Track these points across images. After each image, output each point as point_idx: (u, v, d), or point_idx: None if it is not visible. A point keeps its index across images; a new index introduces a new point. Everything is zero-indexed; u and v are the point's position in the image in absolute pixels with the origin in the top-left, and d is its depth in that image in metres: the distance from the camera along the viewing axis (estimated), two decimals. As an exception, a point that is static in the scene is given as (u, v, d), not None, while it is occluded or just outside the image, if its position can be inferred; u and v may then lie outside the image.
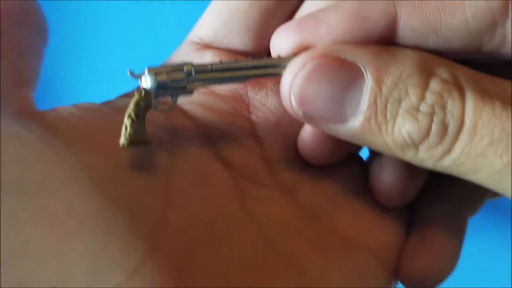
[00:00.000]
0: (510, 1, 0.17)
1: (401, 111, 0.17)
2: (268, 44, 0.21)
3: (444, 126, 0.17)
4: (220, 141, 0.21)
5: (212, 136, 0.21)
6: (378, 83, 0.17)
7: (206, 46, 0.22)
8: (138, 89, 0.19)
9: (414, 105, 0.17)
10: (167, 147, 0.20)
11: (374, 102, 0.17)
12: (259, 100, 0.22)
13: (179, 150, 0.20)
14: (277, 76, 0.19)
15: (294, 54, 0.19)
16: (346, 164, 0.23)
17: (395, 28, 0.18)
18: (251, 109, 0.22)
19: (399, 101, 0.17)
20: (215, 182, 0.20)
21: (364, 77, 0.17)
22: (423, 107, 0.17)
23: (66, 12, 0.40)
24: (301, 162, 0.22)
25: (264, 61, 0.19)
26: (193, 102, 0.22)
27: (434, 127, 0.17)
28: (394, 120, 0.17)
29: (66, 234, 0.16)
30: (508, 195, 0.17)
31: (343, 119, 0.18)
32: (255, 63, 0.20)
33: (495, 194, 0.24)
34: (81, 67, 0.41)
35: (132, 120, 0.19)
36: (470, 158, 0.17)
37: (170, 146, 0.20)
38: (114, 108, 0.20)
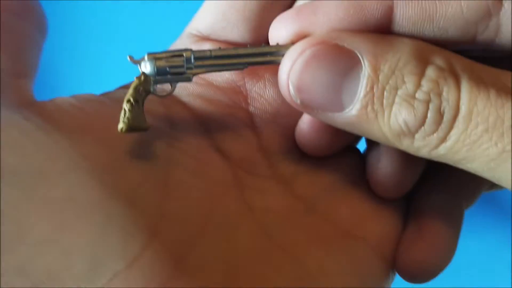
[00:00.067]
0: None
1: (397, 99, 0.17)
2: (266, 36, 0.21)
3: (440, 114, 0.17)
4: (218, 132, 0.21)
5: (210, 127, 0.21)
6: (375, 70, 0.17)
7: (204, 38, 0.22)
8: (138, 76, 0.20)
9: (411, 92, 0.17)
10: (166, 138, 0.20)
11: (371, 89, 0.17)
12: (257, 92, 0.22)
13: (178, 141, 0.20)
14: (275, 64, 0.19)
15: (293, 43, 0.19)
16: (343, 155, 0.23)
17: (392, 16, 0.18)
18: (249, 101, 0.22)
19: (396, 88, 0.17)
20: (213, 173, 0.20)
21: (361, 64, 0.18)
22: (419, 95, 0.17)
23: (65, 4, 0.40)
24: (298, 153, 0.22)
25: (263, 48, 0.20)
26: (192, 93, 0.22)
27: (430, 114, 0.17)
28: (391, 107, 0.17)
29: (65, 223, 0.16)
30: (503, 184, 0.17)
31: (341, 106, 0.18)
32: (253, 50, 0.20)
33: (491, 186, 0.24)
34: (81, 59, 0.41)
35: (131, 104, 0.19)
36: (466, 146, 0.17)
37: (169, 137, 0.20)
38: (113, 99, 0.20)
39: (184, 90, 0.22)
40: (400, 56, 0.17)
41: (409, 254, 0.22)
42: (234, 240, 0.19)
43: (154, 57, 0.19)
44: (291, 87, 0.18)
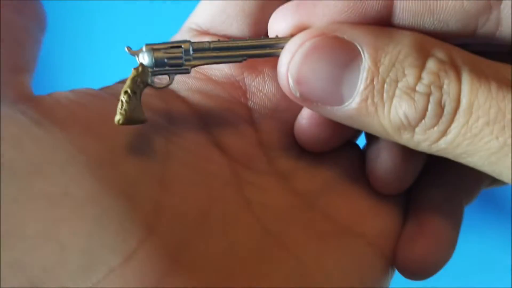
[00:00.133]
0: None
1: (398, 92, 0.17)
2: (265, 30, 0.21)
3: (441, 107, 0.17)
4: (217, 127, 0.21)
5: (209, 122, 0.21)
6: (375, 62, 0.17)
7: (204, 33, 0.22)
8: (136, 67, 0.19)
9: (411, 85, 0.17)
10: (164, 133, 0.20)
11: (371, 82, 0.17)
12: (256, 87, 0.22)
13: (176, 136, 0.20)
14: (274, 57, 0.19)
15: (292, 35, 0.19)
16: (343, 150, 0.23)
17: (392, 8, 0.18)
18: (248, 96, 0.22)
19: (396, 81, 0.17)
20: (211, 168, 0.20)
21: (361, 57, 0.17)
22: (420, 88, 0.17)
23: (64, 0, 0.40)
24: (297, 149, 0.22)
25: (262, 41, 0.20)
26: (190, 88, 0.22)
27: (431, 107, 0.17)
28: (391, 101, 0.17)
29: (61, 218, 0.16)
30: (503, 178, 0.17)
31: (340, 99, 0.18)
32: (253, 43, 0.20)
33: (491, 182, 0.24)
34: (80, 53, 0.41)
35: (129, 96, 0.19)
36: (466, 140, 0.17)
37: (167, 132, 0.20)
38: (111, 94, 0.20)
39: (182, 84, 0.22)
40: (400, 48, 0.17)
41: (409, 250, 0.22)
42: (232, 236, 0.19)
43: (152, 48, 0.19)
44: (290, 80, 0.18)
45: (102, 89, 0.21)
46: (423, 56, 0.17)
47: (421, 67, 0.17)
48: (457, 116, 0.17)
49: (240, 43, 0.20)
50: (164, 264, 0.17)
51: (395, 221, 0.22)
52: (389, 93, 0.17)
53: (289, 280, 0.19)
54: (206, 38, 0.22)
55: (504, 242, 0.38)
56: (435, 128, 0.17)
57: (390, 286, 0.22)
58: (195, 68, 0.20)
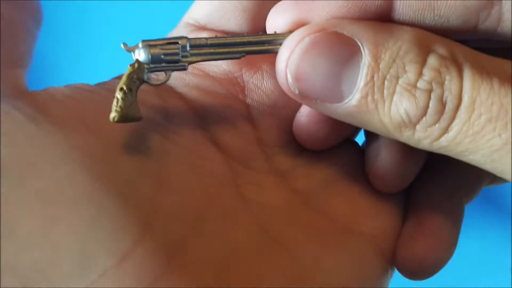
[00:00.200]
0: None
1: (398, 88, 0.17)
2: (263, 26, 0.20)
3: (442, 104, 0.17)
4: (214, 124, 0.21)
5: (206, 119, 0.21)
6: (376, 58, 0.17)
7: (201, 28, 0.22)
8: (132, 64, 0.19)
9: (412, 81, 0.17)
10: (160, 130, 0.20)
11: (371, 78, 0.17)
12: (254, 83, 0.22)
13: (173, 133, 0.20)
14: (273, 53, 0.19)
15: (291, 31, 0.19)
16: (342, 148, 0.23)
17: (392, 4, 0.18)
18: (246, 92, 0.22)
19: (397, 77, 0.17)
20: (209, 166, 0.20)
21: (361, 53, 0.17)
22: (421, 84, 0.17)
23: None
24: (296, 146, 0.22)
25: (260, 37, 0.19)
26: (188, 84, 0.22)
27: (432, 104, 0.17)
28: (392, 97, 0.17)
29: (55, 217, 0.16)
30: (505, 176, 0.17)
31: (340, 96, 0.18)
32: (251, 39, 0.19)
33: (491, 180, 0.24)
34: (76, 48, 0.41)
35: (124, 92, 0.18)
36: (468, 137, 0.17)
37: (164, 129, 0.20)
38: (107, 90, 0.20)
39: (180, 81, 0.22)
40: (401, 44, 0.17)
41: (408, 249, 0.21)
42: (229, 236, 0.18)
43: (148, 44, 0.19)
44: (289, 76, 0.18)
45: (98, 84, 0.21)
46: (424, 52, 0.17)
47: (422, 63, 0.17)
48: (459, 113, 0.17)
49: (238, 39, 0.19)
50: (160, 264, 0.16)
51: (394, 220, 0.22)
52: (390, 89, 0.17)
53: (288, 280, 0.18)
54: (204, 34, 0.22)
55: (504, 242, 0.38)
56: (437, 125, 0.17)
57: (390, 286, 0.22)
58: (193, 64, 0.20)
